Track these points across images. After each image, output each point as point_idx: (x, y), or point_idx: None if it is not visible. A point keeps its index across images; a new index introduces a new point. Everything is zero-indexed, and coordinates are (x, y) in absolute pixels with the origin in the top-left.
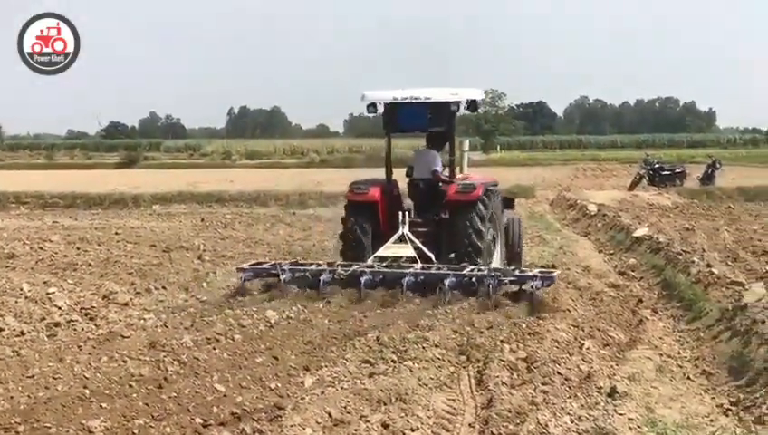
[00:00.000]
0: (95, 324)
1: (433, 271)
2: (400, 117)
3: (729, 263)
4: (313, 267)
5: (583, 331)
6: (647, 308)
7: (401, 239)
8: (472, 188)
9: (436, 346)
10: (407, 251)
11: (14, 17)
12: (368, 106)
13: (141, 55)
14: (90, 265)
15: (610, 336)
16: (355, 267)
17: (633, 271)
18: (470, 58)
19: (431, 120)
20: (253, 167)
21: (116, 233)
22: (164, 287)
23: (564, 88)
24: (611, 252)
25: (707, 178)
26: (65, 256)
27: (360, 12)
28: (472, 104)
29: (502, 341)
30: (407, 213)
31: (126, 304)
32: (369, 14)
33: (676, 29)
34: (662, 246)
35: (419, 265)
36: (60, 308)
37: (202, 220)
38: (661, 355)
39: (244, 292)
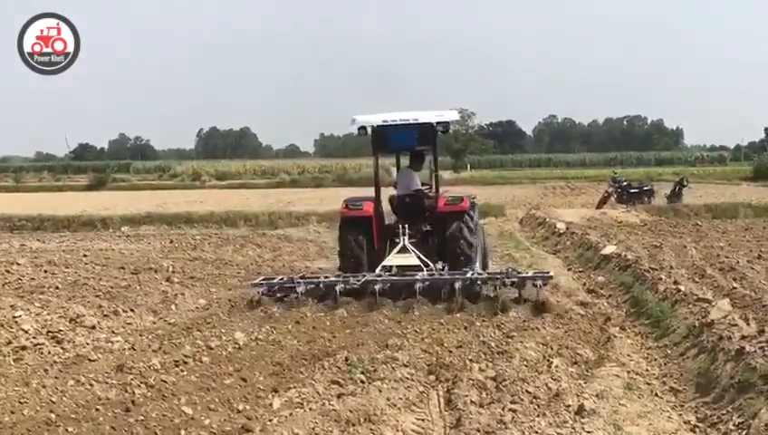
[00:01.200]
0: (62, 348)
1: (437, 276)
2: (389, 138)
3: (696, 280)
4: (323, 278)
5: (552, 349)
6: (615, 326)
7: (403, 249)
8: (460, 200)
9: (405, 366)
10: (411, 260)
11: (14, 17)
12: (358, 129)
13: (110, 76)
14: (57, 287)
15: (579, 354)
16: (367, 277)
17: (601, 289)
18: (436, 77)
19: (418, 141)
20: (223, 187)
21: (84, 255)
22: (132, 310)
23: (533, 107)
24: (580, 270)
25: (675, 196)
26: (32, 278)
27: (331, 32)
28: (445, 125)
29: (471, 360)
30: (406, 225)
31: (93, 327)
32: (340, 34)
33: (643, 48)
34: (630, 263)
35: (425, 271)
36: (26, 332)
37: (171, 242)
38: (629, 373)
39: (254, 306)
